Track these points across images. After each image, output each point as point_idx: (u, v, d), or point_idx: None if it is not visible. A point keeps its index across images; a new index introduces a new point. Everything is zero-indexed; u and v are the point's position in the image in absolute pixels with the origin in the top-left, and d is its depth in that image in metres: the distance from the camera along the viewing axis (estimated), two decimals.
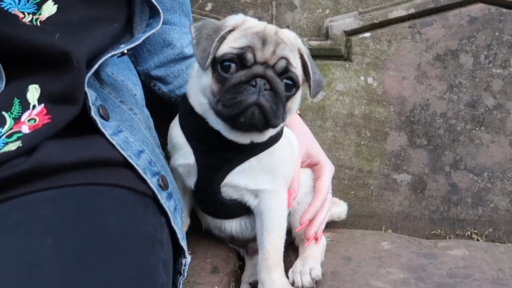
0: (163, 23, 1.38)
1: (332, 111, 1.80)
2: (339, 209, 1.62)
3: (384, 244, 1.54)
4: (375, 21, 1.77)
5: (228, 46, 1.01)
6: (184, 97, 1.20)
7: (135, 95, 1.32)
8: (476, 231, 1.76)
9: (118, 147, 0.98)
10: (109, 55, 1.05)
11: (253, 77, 0.98)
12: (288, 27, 1.90)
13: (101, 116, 1.00)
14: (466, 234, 1.75)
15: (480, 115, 1.77)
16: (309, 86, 1.11)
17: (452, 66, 1.76)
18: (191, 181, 1.24)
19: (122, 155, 0.99)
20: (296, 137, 1.36)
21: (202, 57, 1.01)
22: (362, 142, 1.79)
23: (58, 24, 0.99)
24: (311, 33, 1.91)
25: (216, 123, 1.10)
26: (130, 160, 0.99)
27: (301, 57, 1.10)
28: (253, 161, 1.17)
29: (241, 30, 1.04)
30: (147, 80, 1.49)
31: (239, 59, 1.00)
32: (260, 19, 1.19)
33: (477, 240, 1.76)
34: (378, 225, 1.79)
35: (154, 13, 1.19)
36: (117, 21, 1.12)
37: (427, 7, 1.75)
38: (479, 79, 1.76)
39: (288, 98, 1.05)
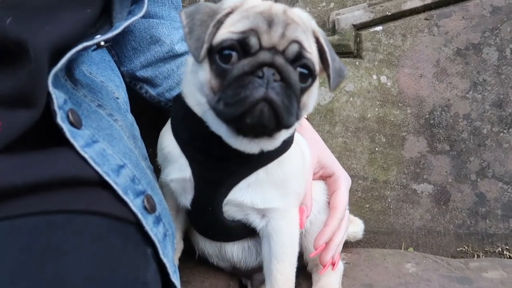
0: (150, 17, 1.34)
1: (341, 115, 1.69)
2: (356, 228, 1.46)
3: (408, 266, 1.34)
4: (387, 13, 1.66)
5: (227, 31, 0.88)
6: (178, 98, 1.07)
7: (117, 98, 1.18)
8: (507, 247, 1.63)
9: (91, 161, 0.84)
10: (81, 46, 0.88)
11: (259, 66, 0.84)
12: None
13: (71, 123, 0.85)
14: (497, 250, 1.63)
15: (508, 116, 1.65)
16: (328, 76, 0.95)
17: (475, 61, 1.65)
18: (186, 199, 1.10)
19: (96, 171, 0.84)
20: (306, 143, 1.21)
21: (196, 47, 0.87)
22: (377, 149, 1.69)
23: (12, 7, 0.81)
24: None
25: (218, 127, 0.96)
26: (107, 178, 0.85)
27: (317, 41, 0.95)
28: (260, 173, 1.03)
29: (241, 11, 0.90)
30: (132, 83, 1.36)
31: (241, 45, 0.86)
32: None
33: (509, 257, 1.58)
34: (397, 242, 1.67)
35: None
36: (90, 5, 0.96)
37: None
38: (505, 75, 1.64)
39: (303, 90, 0.91)
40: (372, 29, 1.68)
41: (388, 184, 1.69)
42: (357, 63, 1.69)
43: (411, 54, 1.66)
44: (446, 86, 1.67)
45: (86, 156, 0.84)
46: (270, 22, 0.87)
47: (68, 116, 0.85)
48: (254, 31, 0.87)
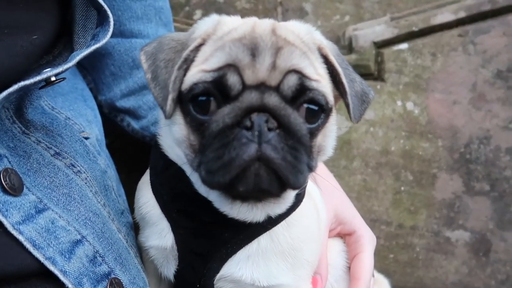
0: (132, 36, 1.25)
1: (360, 147, 1.60)
2: None
3: None
4: (413, 28, 1.59)
5: (198, 70, 0.74)
6: (157, 145, 0.94)
7: (86, 139, 1.06)
8: None
9: (28, 245, 0.73)
10: (16, 87, 0.74)
11: (245, 113, 0.71)
12: None
13: (4, 190, 0.75)
14: None
15: None
16: (346, 104, 0.81)
17: None
18: (168, 271, 0.97)
19: (36, 258, 0.73)
20: (319, 193, 1.05)
21: (163, 97, 0.75)
22: (402, 188, 1.60)
23: None
24: None
25: (207, 193, 0.84)
26: (51, 267, 0.73)
27: (326, 59, 0.81)
28: (263, 241, 0.90)
29: (214, 40, 0.77)
30: (112, 114, 1.27)
31: (218, 88, 0.73)
32: None
33: None
34: None
35: (102, 18, 0.90)
36: (37, 30, 0.82)
37: (481, 10, 1.59)
38: None
39: (315, 131, 0.78)
40: (396, 47, 1.62)
41: (416, 230, 1.61)
42: (378, 86, 1.61)
43: (443, 76, 1.61)
44: (485, 115, 1.60)
45: (21, 238, 0.72)
46: (254, 50, 0.73)
47: (0, 180, 0.74)
48: (232, 66, 0.72)
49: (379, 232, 1.56)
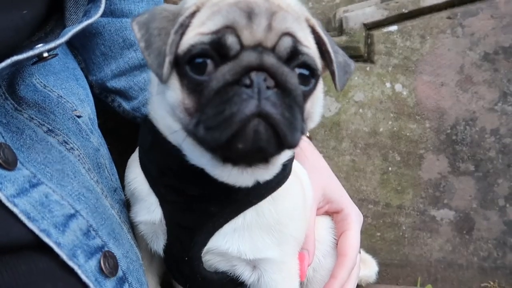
0: (123, 16, 1.24)
1: (349, 128, 1.62)
2: (368, 270, 1.31)
3: None
4: (403, 10, 1.61)
5: (195, 34, 0.76)
6: (146, 122, 0.94)
7: (79, 117, 1.06)
8: None
9: (22, 217, 0.73)
10: (9, 61, 0.74)
11: (244, 71, 0.72)
12: None
13: None
14: None
15: None
16: (332, 72, 0.84)
17: (505, 68, 1.60)
18: (158, 246, 0.99)
19: (31, 230, 0.73)
20: (307, 173, 1.07)
21: (158, 63, 0.75)
22: (390, 169, 1.62)
23: None
24: None
25: (200, 158, 0.84)
26: (46, 239, 0.73)
27: (313, 31, 0.84)
28: (249, 215, 0.91)
29: (210, 6, 0.79)
30: (103, 94, 1.26)
31: (216, 48, 0.74)
32: None
33: None
34: (412, 277, 1.60)
35: None
36: (28, 4, 0.82)
37: None
38: None
39: (305, 96, 0.79)
40: (385, 29, 1.63)
41: (403, 209, 1.63)
42: (368, 68, 1.63)
43: (431, 58, 1.61)
44: (471, 97, 1.61)
45: (15, 210, 0.71)
46: (250, 14, 0.74)
47: None
48: (230, 28, 0.73)
49: (366, 211, 1.59)
